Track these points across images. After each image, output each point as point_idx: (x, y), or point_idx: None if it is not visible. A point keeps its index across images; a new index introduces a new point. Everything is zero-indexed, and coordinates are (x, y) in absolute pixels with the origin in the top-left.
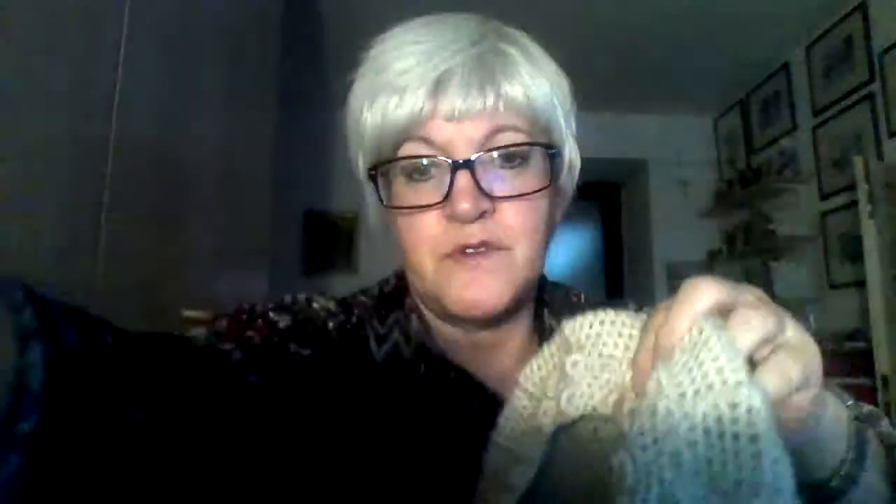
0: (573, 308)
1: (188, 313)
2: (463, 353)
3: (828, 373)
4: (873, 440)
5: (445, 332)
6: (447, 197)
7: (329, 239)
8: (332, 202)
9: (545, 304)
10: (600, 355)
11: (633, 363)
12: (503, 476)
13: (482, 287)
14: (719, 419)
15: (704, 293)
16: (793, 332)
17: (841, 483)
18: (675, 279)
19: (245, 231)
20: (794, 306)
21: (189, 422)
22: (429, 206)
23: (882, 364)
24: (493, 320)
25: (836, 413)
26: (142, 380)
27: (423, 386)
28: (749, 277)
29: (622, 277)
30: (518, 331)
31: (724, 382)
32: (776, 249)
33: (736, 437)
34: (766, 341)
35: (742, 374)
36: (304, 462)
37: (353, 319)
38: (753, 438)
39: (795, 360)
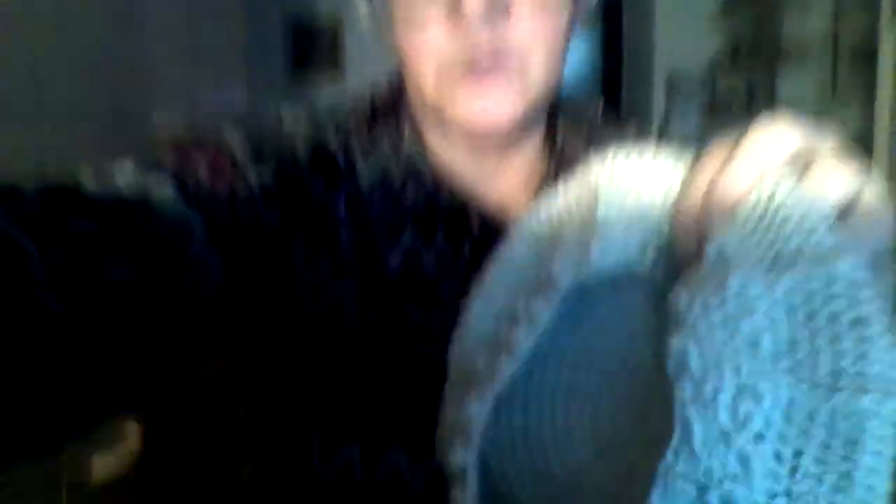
0: (591, 126)
1: (161, 125)
2: (463, 172)
3: None
4: None
5: (445, 148)
6: None
7: (312, 39)
8: (314, 1)
9: (559, 116)
10: (636, 204)
11: (676, 213)
12: (501, 335)
13: (491, 102)
14: (810, 296)
15: (782, 139)
16: (871, 195)
17: None
18: (675, 90)
19: (216, 30)
20: (797, 118)
21: (98, 294)
22: (431, 6)
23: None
24: (503, 137)
25: None
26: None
27: (411, 209)
28: (752, 87)
29: (619, 88)
30: (528, 148)
31: (816, 251)
32: (783, 58)
33: (834, 318)
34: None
35: (837, 241)
36: (256, 313)
37: (332, 136)
38: (858, 321)
39: (869, 233)
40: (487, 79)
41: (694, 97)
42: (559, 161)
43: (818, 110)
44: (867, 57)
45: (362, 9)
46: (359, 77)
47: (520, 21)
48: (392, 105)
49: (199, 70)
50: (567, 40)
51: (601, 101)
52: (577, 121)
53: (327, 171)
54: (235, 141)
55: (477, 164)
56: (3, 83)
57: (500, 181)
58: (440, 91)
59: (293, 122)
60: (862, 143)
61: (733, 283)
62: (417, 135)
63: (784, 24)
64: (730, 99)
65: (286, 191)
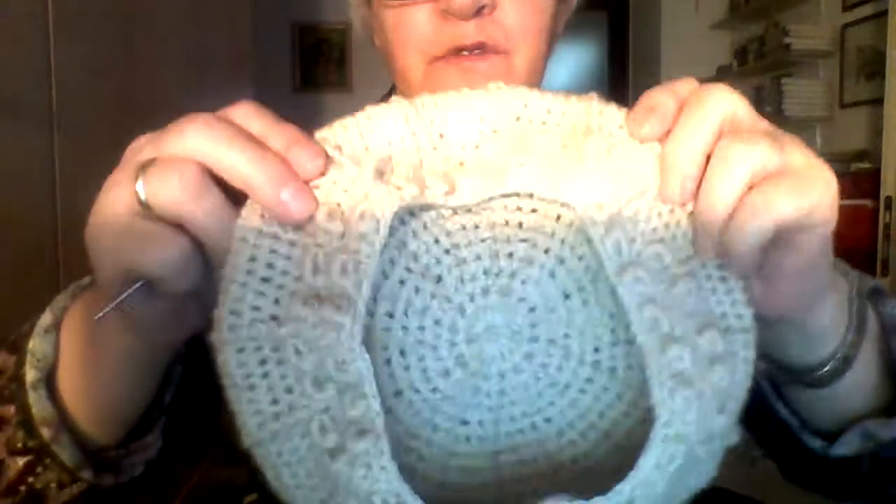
0: None
1: None
2: None
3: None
4: (872, 323)
5: None
6: None
7: (320, 53)
8: (321, 12)
9: None
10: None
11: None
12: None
13: None
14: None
15: (721, 104)
16: (798, 155)
17: (829, 374)
18: None
19: (223, 44)
20: (803, 126)
21: None
22: (420, 1)
23: (888, 185)
24: None
25: (839, 297)
26: None
27: None
28: (759, 95)
29: (626, 95)
30: None
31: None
32: (790, 65)
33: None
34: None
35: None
36: None
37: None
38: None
39: (795, 188)
40: (472, 71)
41: None
42: None
43: (825, 116)
44: (875, 62)
45: (356, 13)
46: (366, 95)
47: (506, 16)
48: None
49: (202, 88)
50: (552, 40)
51: None
52: None
53: None
54: None
55: None
56: (17, 85)
57: None
58: (427, 84)
59: None
60: (870, 149)
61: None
62: None
63: (791, 30)
64: None
65: None
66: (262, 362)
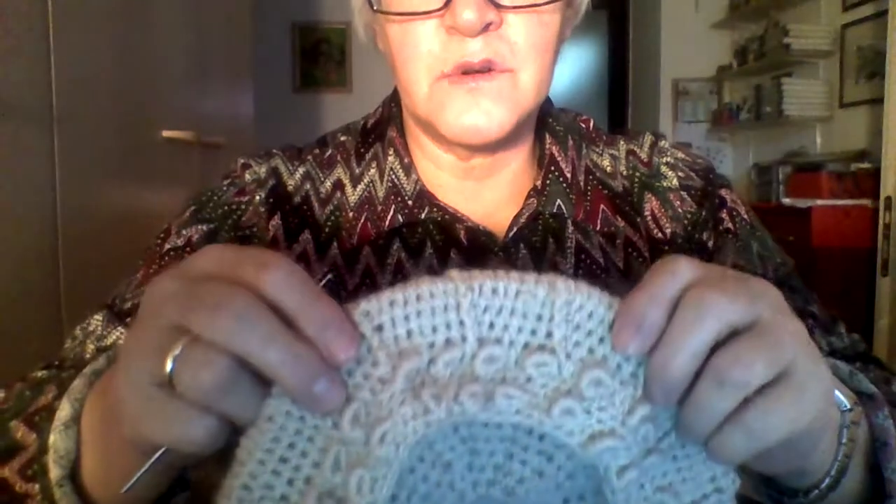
0: (582, 136)
1: (168, 133)
2: (450, 188)
3: (832, 194)
4: (863, 437)
5: (433, 168)
6: (447, 3)
7: (320, 53)
8: (320, 12)
9: (548, 130)
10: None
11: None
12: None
13: (482, 112)
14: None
15: (715, 315)
16: (803, 362)
17: (815, 498)
18: (682, 97)
19: (224, 44)
20: (803, 126)
21: None
22: (426, 14)
23: (888, 185)
24: (492, 146)
25: (832, 434)
26: None
27: (399, 228)
28: (759, 94)
29: (626, 94)
30: (516, 157)
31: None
32: (790, 65)
33: None
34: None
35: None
36: None
37: (315, 174)
38: None
39: (793, 407)
40: (478, 90)
41: (701, 103)
42: (546, 175)
43: (825, 116)
44: (875, 62)
45: (359, 18)
46: (366, 96)
47: (512, 32)
48: (381, 124)
49: (203, 87)
50: (559, 49)
51: (589, 117)
52: (565, 134)
53: (286, 208)
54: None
55: (466, 172)
56: (17, 85)
57: (487, 196)
58: (431, 101)
59: (254, 175)
60: (870, 149)
61: None
62: (404, 152)
63: (791, 30)
64: (737, 105)
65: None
66: None
